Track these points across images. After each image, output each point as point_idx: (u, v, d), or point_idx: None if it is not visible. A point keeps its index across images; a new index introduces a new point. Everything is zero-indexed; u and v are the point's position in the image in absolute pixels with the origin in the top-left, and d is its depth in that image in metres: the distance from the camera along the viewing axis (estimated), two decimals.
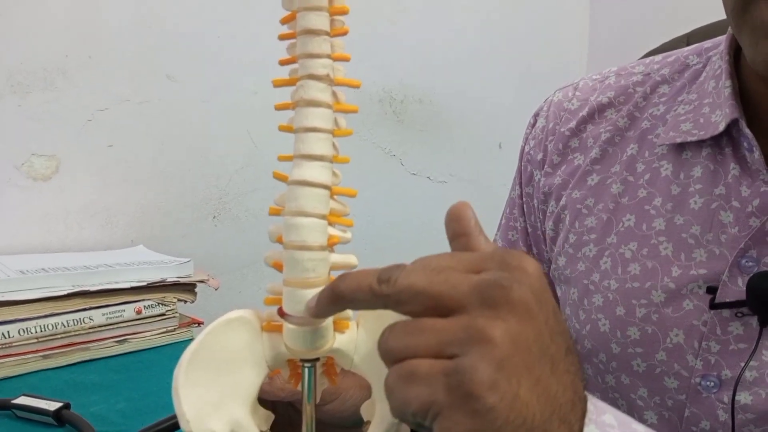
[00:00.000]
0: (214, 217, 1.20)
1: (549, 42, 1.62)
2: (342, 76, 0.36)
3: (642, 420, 0.56)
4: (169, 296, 0.92)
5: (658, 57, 0.65)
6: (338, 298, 0.34)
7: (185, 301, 0.94)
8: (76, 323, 0.83)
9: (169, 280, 0.92)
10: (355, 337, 0.38)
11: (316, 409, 0.41)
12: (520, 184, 0.70)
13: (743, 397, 0.51)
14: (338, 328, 0.38)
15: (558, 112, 0.67)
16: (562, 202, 0.64)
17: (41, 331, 0.81)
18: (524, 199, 0.70)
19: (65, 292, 0.83)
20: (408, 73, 1.41)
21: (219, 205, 1.20)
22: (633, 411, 0.57)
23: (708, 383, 0.53)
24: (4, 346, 0.78)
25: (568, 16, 1.66)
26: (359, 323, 0.39)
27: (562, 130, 0.66)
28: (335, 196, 0.37)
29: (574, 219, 0.63)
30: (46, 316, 0.81)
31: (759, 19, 0.47)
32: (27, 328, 0.80)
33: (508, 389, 0.30)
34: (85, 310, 0.84)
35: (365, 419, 0.40)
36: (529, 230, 0.70)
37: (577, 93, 0.67)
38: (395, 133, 1.40)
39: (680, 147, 0.58)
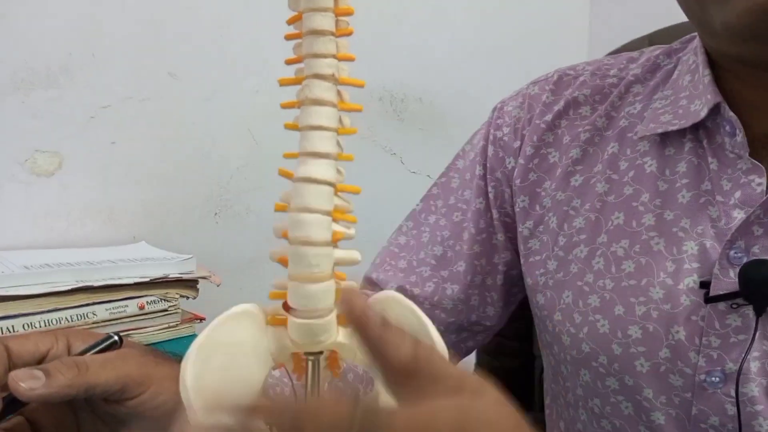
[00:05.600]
0: (216, 214, 1.21)
1: (549, 42, 1.63)
2: (346, 76, 0.37)
3: (650, 421, 0.55)
4: (172, 292, 0.92)
5: (626, 55, 0.67)
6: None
7: (187, 297, 0.95)
8: (79, 318, 0.84)
9: (171, 276, 0.92)
10: None
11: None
12: (484, 165, 0.68)
13: (749, 389, 0.50)
14: (342, 322, 0.38)
15: (533, 104, 0.67)
16: (545, 204, 0.64)
17: (45, 325, 0.81)
18: (489, 181, 0.68)
19: (69, 288, 0.83)
20: (408, 72, 1.41)
21: (220, 202, 1.21)
22: (640, 413, 0.56)
23: (713, 379, 0.52)
24: None
25: (568, 16, 1.67)
26: None
27: (538, 122, 0.66)
28: (339, 193, 0.37)
29: (561, 221, 0.62)
30: (49, 311, 0.82)
31: None
32: (31, 323, 0.80)
33: None
34: (88, 305, 0.85)
35: None
36: (495, 215, 0.68)
37: (551, 87, 0.67)
38: (395, 132, 1.41)
39: (662, 144, 0.58)
